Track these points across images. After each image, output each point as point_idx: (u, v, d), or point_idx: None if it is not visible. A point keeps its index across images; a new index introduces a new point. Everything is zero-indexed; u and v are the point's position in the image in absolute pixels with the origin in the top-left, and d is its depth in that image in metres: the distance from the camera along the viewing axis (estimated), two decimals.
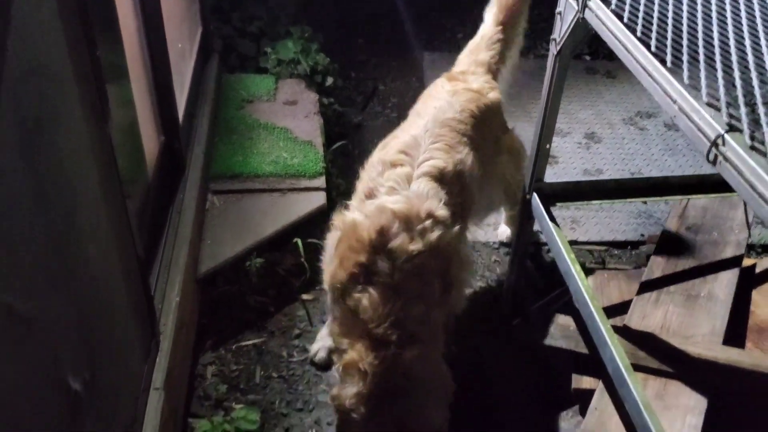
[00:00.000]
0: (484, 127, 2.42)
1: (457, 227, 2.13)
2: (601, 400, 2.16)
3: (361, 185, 2.24)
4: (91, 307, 1.52)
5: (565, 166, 3.81)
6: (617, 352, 1.96)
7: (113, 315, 1.74)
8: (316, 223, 3.07)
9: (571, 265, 2.23)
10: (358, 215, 2.09)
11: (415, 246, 1.97)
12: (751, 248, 3.20)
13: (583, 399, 2.30)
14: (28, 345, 1.15)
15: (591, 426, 2.08)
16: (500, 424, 2.45)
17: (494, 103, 2.51)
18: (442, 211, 2.07)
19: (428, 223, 2.01)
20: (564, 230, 3.33)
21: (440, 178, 2.14)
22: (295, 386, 2.61)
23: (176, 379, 2.22)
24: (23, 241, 1.16)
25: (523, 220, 2.63)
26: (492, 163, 2.55)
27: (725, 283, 2.53)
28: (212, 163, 3.25)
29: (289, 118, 3.63)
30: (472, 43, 2.73)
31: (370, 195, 2.14)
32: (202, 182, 2.99)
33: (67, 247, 1.38)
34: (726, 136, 1.37)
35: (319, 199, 3.16)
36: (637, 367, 2.17)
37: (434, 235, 2.01)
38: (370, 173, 2.21)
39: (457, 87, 2.45)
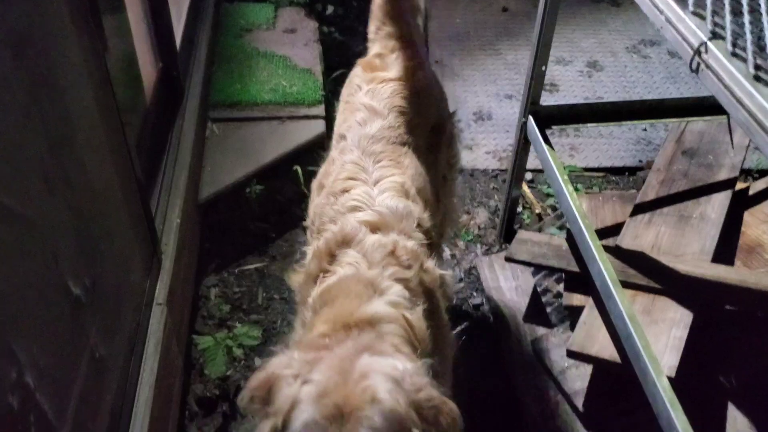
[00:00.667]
0: (420, 120, 2.02)
1: (430, 262, 1.70)
2: (590, 315, 2.22)
3: (311, 235, 1.88)
4: (90, 217, 1.57)
5: (566, 94, 3.80)
6: (605, 267, 2.02)
7: (114, 230, 1.80)
8: (316, 151, 3.10)
9: (563, 186, 2.27)
10: (313, 245, 1.74)
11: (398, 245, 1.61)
12: (747, 173, 3.22)
13: (574, 315, 2.36)
14: (28, 245, 1.21)
15: (579, 339, 2.15)
16: (493, 339, 2.53)
17: (423, 84, 2.07)
18: (411, 243, 1.66)
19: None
20: (563, 157, 3.35)
21: (405, 194, 1.77)
22: (296, 307, 2.69)
23: (179, 296, 2.30)
24: (18, 144, 1.20)
25: (518, 144, 2.65)
26: (435, 160, 2.10)
27: (717, 204, 2.55)
28: (211, 92, 3.27)
29: (288, 46, 3.62)
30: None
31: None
32: (201, 109, 3.01)
33: (63, 156, 1.42)
34: (709, 43, 1.38)
35: (318, 126, 3.18)
36: (626, 284, 2.22)
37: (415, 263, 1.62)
38: (317, 214, 1.82)
39: (375, 82, 2.02)
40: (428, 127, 2.07)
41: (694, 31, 1.43)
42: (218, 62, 3.46)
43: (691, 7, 1.47)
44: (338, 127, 2.03)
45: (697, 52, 1.40)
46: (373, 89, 2.00)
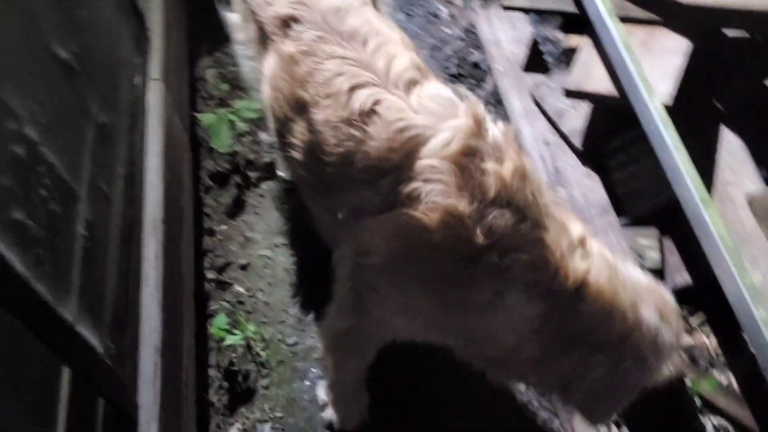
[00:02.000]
0: None
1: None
2: (587, 55, 2.20)
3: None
4: None
5: None
6: None
7: (95, 6, 1.75)
8: None
9: None
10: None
11: None
12: None
13: (572, 60, 2.34)
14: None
15: (577, 77, 2.15)
16: (492, 93, 2.55)
17: None
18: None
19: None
20: None
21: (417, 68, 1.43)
22: None
23: (174, 74, 2.29)
24: None
25: None
26: None
27: None
28: None
29: None
30: None
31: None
32: None
33: None
34: None
35: None
36: (624, 19, 2.17)
37: None
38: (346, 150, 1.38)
39: None
40: None
41: None
42: None
43: None
44: (270, 7, 1.55)
45: None
46: None
